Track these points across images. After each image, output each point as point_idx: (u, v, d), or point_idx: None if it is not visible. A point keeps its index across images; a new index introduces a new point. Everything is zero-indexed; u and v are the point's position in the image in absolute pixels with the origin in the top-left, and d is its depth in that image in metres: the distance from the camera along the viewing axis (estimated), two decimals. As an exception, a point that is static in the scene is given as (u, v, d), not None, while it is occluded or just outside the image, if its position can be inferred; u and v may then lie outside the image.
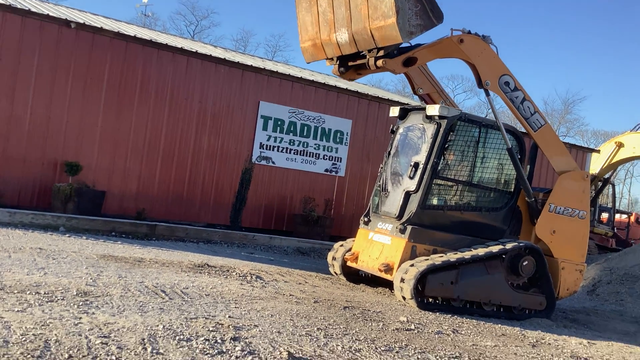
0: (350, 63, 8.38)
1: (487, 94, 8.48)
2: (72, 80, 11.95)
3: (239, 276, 8.07)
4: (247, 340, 4.86)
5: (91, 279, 6.47)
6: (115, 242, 9.96)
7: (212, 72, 13.45)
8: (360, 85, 21.20)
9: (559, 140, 9.29)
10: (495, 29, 78.11)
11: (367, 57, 8.06)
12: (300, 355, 4.73)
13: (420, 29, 7.31)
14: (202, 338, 4.72)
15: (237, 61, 14.07)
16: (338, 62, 8.43)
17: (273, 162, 14.24)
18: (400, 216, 8.47)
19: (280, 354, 4.64)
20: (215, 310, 5.81)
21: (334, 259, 9.51)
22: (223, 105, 13.63)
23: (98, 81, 12.20)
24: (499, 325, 7.58)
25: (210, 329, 5.05)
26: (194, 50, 13.52)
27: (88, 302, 5.39)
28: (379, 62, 7.91)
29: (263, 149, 14.12)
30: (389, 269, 8.22)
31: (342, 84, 17.41)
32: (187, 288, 6.68)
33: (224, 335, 4.90)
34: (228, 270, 8.36)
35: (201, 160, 13.44)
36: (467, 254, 8.04)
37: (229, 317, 5.58)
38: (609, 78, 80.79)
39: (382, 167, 9.41)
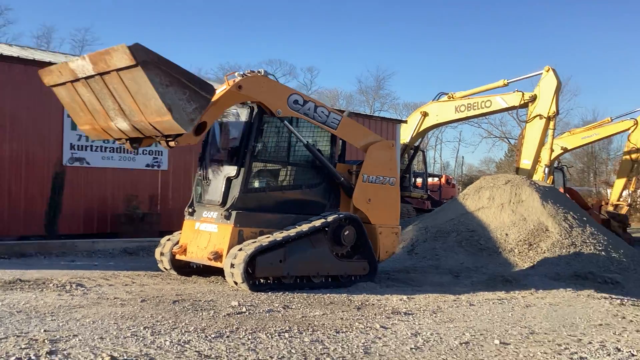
0: (141, 138, 7.84)
1: (282, 120, 8.64)
2: None
3: (57, 287, 7.55)
4: (65, 352, 4.57)
5: None
6: None
7: (6, 72, 12.31)
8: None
9: (358, 126, 9.88)
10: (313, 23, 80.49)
11: (158, 139, 7.68)
12: (125, 357, 4.56)
13: (199, 111, 7.01)
14: (14, 358, 4.35)
15: (34, 58, 13.01)
16: (128, 141, 7.95)
17: (87, 163, 13.45)
18: (224, 203, 8.46)
19: (102, 359, 4.43)
20: (29, 326, 5.39)
21: (162, 254, 9.25)
22: (22, 108, 12.55)
23: None
24: (328, 294, 7.91)
25: (23, 346, 4.67)
26: (-19, 50, 12.26)
27: None
28: (172, 144, 7.63)
29: (75, 149, 13.26)
30: (218, 256, 8.19)
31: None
32: (-5, 308, 6.11)
33: (38, 351, 4.56)
34: (44, 283, 7.78)
35: (4, 169, 12.30)
36: (292, 232, 8.26)
37: (44, 331, 5.21)
38: (415, 55, 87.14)
39: (200, 156, 9.30)
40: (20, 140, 12.50)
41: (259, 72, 8.36)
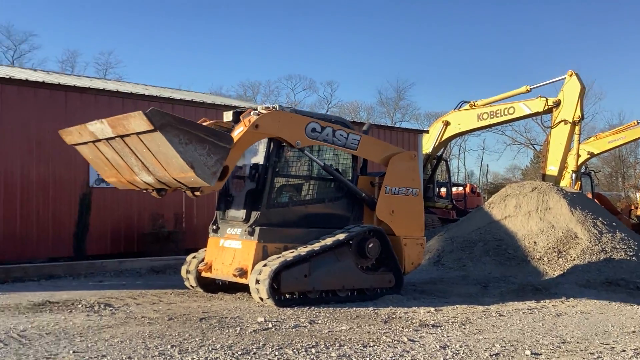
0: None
1: (303, 151, 8.63)
2: None
3: (86, 307, 7.62)
4: (93, 373, 4.60)
5: None
6: (-60, 295, 8.97)
7: (32, 97, 12.55)
8: (197, 94, 20.94)
9: (377, 142, 9.91)
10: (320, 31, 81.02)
11: (183, 189, 7.86)
12: (153, 376, 4.57)
13: (221, 162, 7.11)
14: (43, 380, 4.39)
15: (59, 83, 13.26)
16: (154, 190, 8.18)
17: (113, 184, 13.59)
18: (247, 219, 8.48)
19: (130, 379, 4.45)
20: (58, 348, 5.43)
21: (188, 272, 9.30)
22: (49, 132, 12.75)
23: None
24: (354, 308, 7.86)
25: (52, 368, 4.72)
26: (8, 77, 12.53)
27: None
28: (197, 193, 7.84)
29: (100, 171, 13.42)
30: (243, 272, 8.20)
31: (177, 94, 17.09)
32: (25, 330, 6.18)
33: (67, 372, 4.60)
34: (73, 304, 7.85)
35: (32, 193, 12.49)
36: (316, 246, 8.24)
37: (73, 352, 5.25)
38: (434, 64, 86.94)
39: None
40: (47, 164, 12.71)
41: (273, 107, 8.34)
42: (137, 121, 6.72)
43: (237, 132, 7.99)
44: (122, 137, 7.18)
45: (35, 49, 75.22)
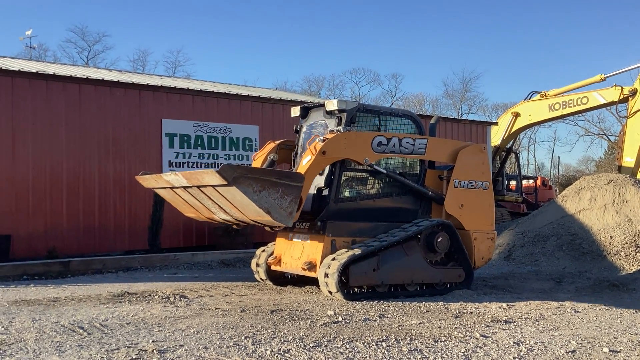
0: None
1: (372, 166, 8.58)
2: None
3: (162, 299, 7.90)
4: (172, 361, 4.78)
5: (2, 327, 6.15)
6: (27, 285, 9.50)
7: (108, 96, 13.09)
8: (263, 89, 21.24)
9: (444, 141, 9.80)
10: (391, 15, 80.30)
11: (260, 226, 8.12)
12: (228, 366, 4.71)
13: (295, 201, 7.21)
14: (126, 367, 4.60)
15: (132, 82, 13.76)
16: (234, 224, 8.58)
17: (185, 179, 14.00)
18: (315, 213, 8.55)
19: (207, 368, 4.60)
20: (138, 337, 5.67)
21: (257, 265, 9.48)
22: (124, 129, 13.29)
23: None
24: (424, 302, 7.81)
25: (134, 357, 4.93)
26: (85, 77, 13.11)
27: (1, 352, 5.13)
28: (275, 228, 8.28)
29: (173, 166, 13.87)
30: (312, 266, 8.29)
31: (244, 91, 17.40)
32: (107, 320, 6.48)
33: (148, 360, 4.80)
34: (150, 295, 8.17)
35: (109, 188, 13.05)
36: (385, 240, 8.24)
37: (153, 341, 5.47)
38: (502, 53, 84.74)
39: (292, 168, 9.48)
40: (123, 161, 13.23)
41: (338, 130, 8.28)
42: (210, 177, 7.01)
43: (306, 162, 8.02)
44: (197, 186, 7.52)
45: (108, 49, 78.10)
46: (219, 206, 7.71)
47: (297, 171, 7.87)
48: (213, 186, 7.17)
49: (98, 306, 7.39)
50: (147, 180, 8.65)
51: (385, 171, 8.75)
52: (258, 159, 9.61)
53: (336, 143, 8.14)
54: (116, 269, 11.46)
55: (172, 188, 8.16)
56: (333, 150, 8.12)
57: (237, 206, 7.36)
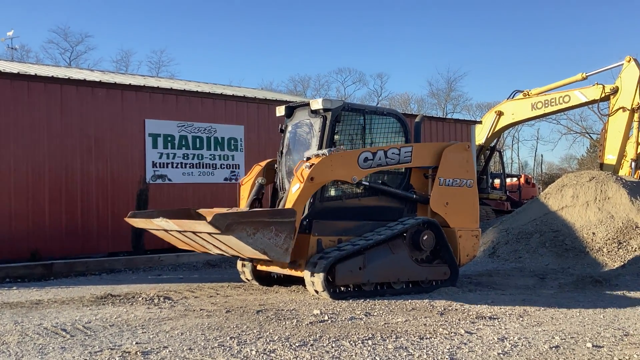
0: None
1: (361, 183, 8.60)
2: None
3: (146, 300, 7.84)
4: (157, 363, 4.74)
5: (-17, 331, 6.07)
6: (10, 288, 9.38)
7: (90, 96, 12.95)
8: (248, 89, 21.16)
9: (427, 145, 9.77)
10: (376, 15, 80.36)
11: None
12: (214, 366, 4.67)
13: (290, 237, 7.30)
14: (110, 369, 4.55)
15: (115, 82, 13.63)
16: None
17: (169, 179, 13.91)
18: (301, 212, 8.52)
19: (192, 369, 4.56)
20: (121, 339, 5.62)
21: (243, 265, 9.44)
22: (106, 129, 13.15)
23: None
24: (409, 300, 7.83)
25: (117, 359, 4.89)
26: (67, 77, 12.97)
27: (-19, 356, 5.05)
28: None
29: (157, 167, 13.75)
30: (298, 265, 8.27)
31: (229, 90, 17.32)
32: (90, 322, 6.41)
33: (132, 362, 4.75)
34: (133, 297, 8.10)
35: (92, 189, 12.89)
36: (370, 238, 8.24)
37: (136, 343, 5.42)
38: (485, 53, 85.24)
39: (277, 167, 9.46)
40: (105, 161, 13.09)
41: (324, 154, 8.19)
42: (203, 227, 7.08)
43: (295, 190, 7.97)
44: (192, 232, 7.58)
45: (91, 49, 77.15)
46: (215, 246, 7.77)
47: (287, 203, 7.91)
48: (208, 233, 7.19)
49: (81, 308, 7.32)
50: (137, 224, 8.71)
51: (368, 184, 8.77)
52: (246, 184, 9.65)
53: (323, 167, 8.09)
54: (99, 271, 11.36)
55: (165, 231, 8.16)
56: (320, 174, 8.08)
57: (234, 248, 7.46)
